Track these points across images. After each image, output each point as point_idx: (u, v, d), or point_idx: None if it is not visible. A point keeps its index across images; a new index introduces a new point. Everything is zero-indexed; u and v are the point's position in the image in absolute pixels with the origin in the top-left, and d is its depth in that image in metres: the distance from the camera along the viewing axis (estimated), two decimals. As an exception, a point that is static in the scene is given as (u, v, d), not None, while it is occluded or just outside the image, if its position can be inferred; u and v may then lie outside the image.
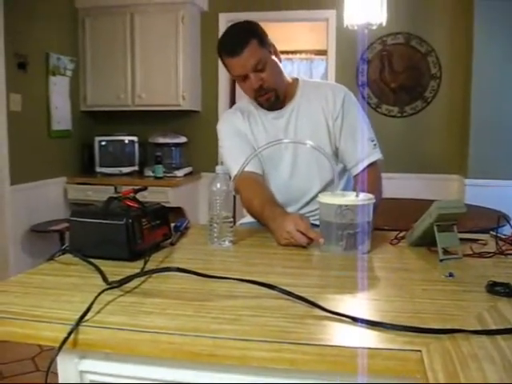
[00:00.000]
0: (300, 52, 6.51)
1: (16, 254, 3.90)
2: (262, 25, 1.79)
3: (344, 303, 1.03)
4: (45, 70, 4.28)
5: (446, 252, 1.37)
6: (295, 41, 6.29)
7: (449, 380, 0.71)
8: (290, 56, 6.51)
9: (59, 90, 4.45)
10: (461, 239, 1.49)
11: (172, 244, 1.52)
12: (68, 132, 4.61)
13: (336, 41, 4.49)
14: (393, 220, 2.50)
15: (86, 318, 0.95)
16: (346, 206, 1.40)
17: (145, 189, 1.54)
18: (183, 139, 4.74)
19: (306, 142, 1.61)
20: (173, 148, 4.72)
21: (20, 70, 3.98)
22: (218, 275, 1.13)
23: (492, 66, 3.93)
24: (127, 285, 1.12)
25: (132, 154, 4.76)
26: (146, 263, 1.25)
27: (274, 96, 1.79)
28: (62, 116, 4.50)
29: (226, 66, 1.77)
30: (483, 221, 3.05)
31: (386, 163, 4.32)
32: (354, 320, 0.91)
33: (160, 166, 4.48)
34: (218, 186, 1.49)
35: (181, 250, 1.49)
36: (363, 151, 1.81)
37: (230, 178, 1.68)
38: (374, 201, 1.45)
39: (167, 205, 4.29)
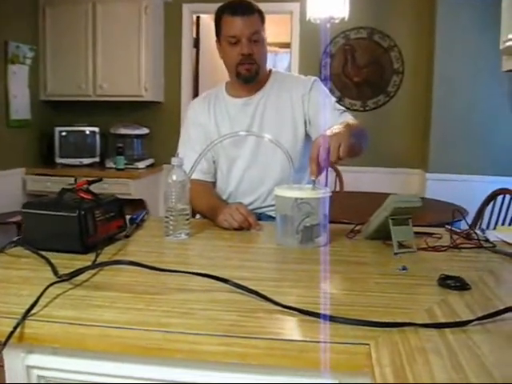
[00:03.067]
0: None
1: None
2: None
3: (297, 297, 1.03)
4: (3, 59, 4.15)
5: (401, 246, 1.38)
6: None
7: (395, 373, 0.71)
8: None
9: (18, 79, 4.34)
10: (416, 233, 1.51)
11: (127, 236, 1.50)
12: (27, 121, 4.49)
13: (300, 34, 4.49)
14: (352, 213, 2.52)
15: (34, 311, 0.93)
16: (302, 198, 1.40)
17: (99, 180, 1.51)
18: (145, 130, 4.68)
19: (263, 135, 1.62)
20: (134, 139, 4.65)
21: (-23, 58, 3.86)
22: (171, 268, 1.11)
23: (454, 62, 3.98)
24: (78, 278, 1.10)
25: (93, 145, 4.68)
26: (97, 256, 1.23)
27: (255, 69, 1.81)
28: (20, 105, 4.38)
29: (220, 25, 1.81)
30: (442, 215, 3.10)
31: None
32: (305, 314, 0.91)
33: (121, 157, 4.42)
34: (174, 178, 1.47)
35: (135, 243, 1.47)
36: (331, 119, 1.77)
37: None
38: (329, 194, 1.45)
39: (128, 197, 4.26)
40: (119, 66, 4.47)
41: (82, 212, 1.31)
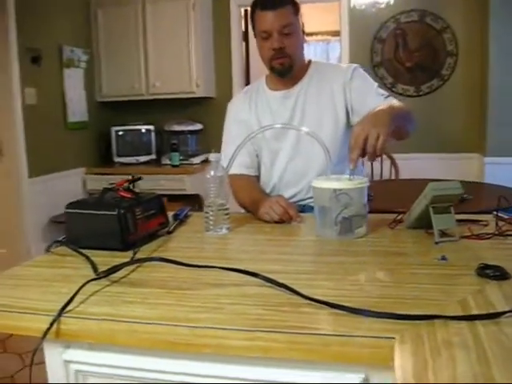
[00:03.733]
0: (316, 34, 6.42)
1: (37, 245, 3.95)
2: None
3: (328, 290, 1.01)
4: (59, 63, 4.32)
5: (443, 234, 1.34)
6: (311, 22, 6.19)
7: (415, 368, 0.69)
8: (307, 38, 6.42)
9: (74, 82, 4.49)
10: (461, 220, 1.46)
11: (169, 232, 1.52)
12: (84, 123, 4.65)
13: (349, 21, 4.41)
14: (409, 203, 2.45)
15: (69, 308, 0.97)
16: (340, 189, 1.38)
17: (139, 179, 1.55)
18: (198, 126, 4.74)
19: (299, 127, 1.61)
20: (188, 135, 4.72)
21: (34, 65, 4.02)
22: (201, 264, 1.13)
23: (510, 40, 3.81)
24: (116, 275, 1.13)
25: (149, 143, 4.78)
26: (135, 253, 1.25)
27: (288, 62, 1.79)
28: (77, 108, 4.54)
29: (254, 21, 1.80)
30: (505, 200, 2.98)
31: (404, 144, 4.27)
32: (331, 306, 0.90)
33: (176, 153, 4.49)
34: (212, 173, 1.49)
35: (177, 239, 1.49)
36: (375, 105, 1.71)
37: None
38: (368, 184, 1.42)
39: (184, 192, 4.34)
40: (170, 64, 4.54)
41: (122, 210, 1.35)
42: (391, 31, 4.34)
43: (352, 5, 3.38)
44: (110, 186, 1.47)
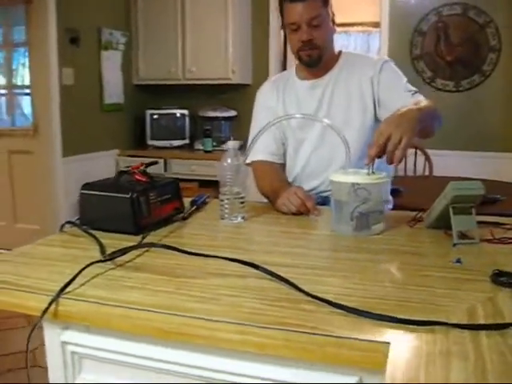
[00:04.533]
0: (357, 24, 6.31)
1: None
2: None
3: (332, 287, 0.98)
4: (97, 45, 4.35)
5: (463, 236, 1.29)
6: (353, 13, 6.08)
7: (406, 376, 0.66)
8: (348, 29, 6.32)
9: (111, 65, 4.52)
10: (484, 222, 1.41)
11: (184, 218, 1.51)
12: (120, 105, 4.68)
13: (389, 12, 4.30)
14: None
15: (69, 290, 0.97)
16: (359, 184, 1.34)
17: (155, 163, 1.54)
18: (233, 113, 4.71)
19: (321, 119, 1.58)
20: (222, 122, 4.71)
21: (72, 45, 4.06)
22: (204, 253, 1.11)
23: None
24: (121, 258, 1.13)
25: (182, 128, 4.79)
26: (143, 238, 1.24)
27: (316, 54, 1.77)
28: (114, 90, 4.57)
29: (282, 12, 1.78)
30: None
31: (441, 141, 4.16)
32: (331, 305, 0.87)
33: (209, 139, 4.49)
34: (229, 161, 1.47)
35: (191, 225, 1.48)
36: (403, 101, 1.66)
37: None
38: (388, 179, 1.38)
39: (215, 178, 4.33)
40: (207, 50, 4.53)
41: (135, 194, 1.34)
42: (432, 24, 4.20)
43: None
44: (125, 169, 1.46)
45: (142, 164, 1.47)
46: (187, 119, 4.79)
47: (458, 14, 4.14)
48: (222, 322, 0.84)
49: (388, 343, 0.75)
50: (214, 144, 4.55)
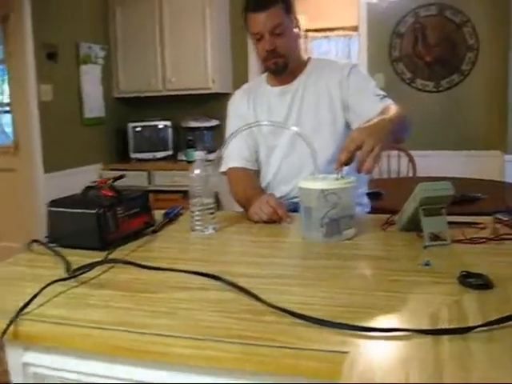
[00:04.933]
0: (338, 29, 6.32)
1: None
2: (296, 2, 1.80)
3: (298, 296, 0.96)
4: (75, 59, 4.33)
5: (435, 238, 1.27)
6: (333, 18, 6.11)
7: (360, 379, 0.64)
8: (328, 34, 6.34)
9: (91, 78, 4.50)
10: (457, 223, 1.39)
11: (155, 231, 1.49)
12: (101, 119, 4.66)
13: (367, 16, 4.32)
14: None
15: (29, 310, 0.94)
16: (327, 190, 1.32)
17: (122, 177, 1.52)
18: (215, 122, 4.69)
19: (289, 127, 1.58)
20: (205, 131, 4.68)
21: (50, 61, 4.04)
22: (164, 267, 1.09)
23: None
24: (85, 275, 1.11)
25: (165, 139, 4.77)
26: (108, 254, 1.22)
27: (282, 62, 1.77)
28: (94, 103, 4.55)
29: (246, 22, 1.77)
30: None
31: (423, 141, 4.16)
32: (293, 315, 0.85)
33: (192, 150, 4.47)
34: (197, 172, 1.45)
35: (161, 238, 1.46)
36: (371, 106, 1.69)
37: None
38: (355, 184, 1.36)
39: (214, 189, 4.31)
40: (186, 60, 4.52)
41: (101, 209, 1.32)
42: (410, 25, 4.22)
43: (364, -1, 3.30)
44: (92, 185, 1.44)
45: (108, 179, 1.45)
46: (170, 130, 4.78)
47: (435, 15, 4.16)
48: (177, 337, 0.81)
49: (346, 353, 0.73)
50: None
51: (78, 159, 4.36)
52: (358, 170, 1.31)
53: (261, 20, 1.69)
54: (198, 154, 1.47)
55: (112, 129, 4.83)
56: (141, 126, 4.77)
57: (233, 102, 2.00)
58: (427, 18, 4.18)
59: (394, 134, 1.44)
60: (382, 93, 1.75)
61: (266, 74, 1.95)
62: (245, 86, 2.03)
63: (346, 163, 1.33)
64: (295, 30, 1.78)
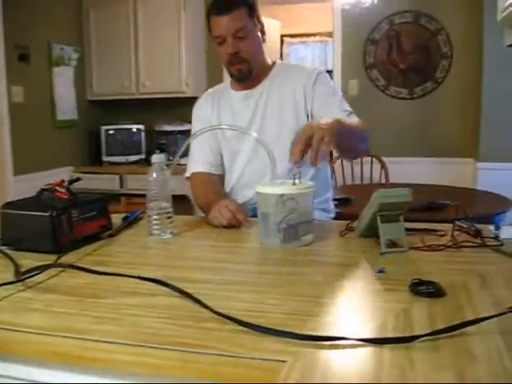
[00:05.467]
0: (314, 35, 6.34)
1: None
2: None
3: (246, 303, 0.94)
4: (47, 61, 4.27)
5: (392, 244, 1.27)
6: (310, 23, 6.12)
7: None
8: (305, 39, 6.35)
9: (64, 81, 4.44)
10: (417, 230, 1.39)
11: (112, 235, 1.46)
12: (74, 121, 4.60)
13: (342, 22, 4.33)
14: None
15: (-32, 315, 0.91)
16: (286, 195, 1.31)
17: (77, 180, 1.49)
18: (188, 126, 4.64)
19: (250, 132, 1.58)
20: (178, 135, 4.64)
21: (22, 62, 3.98)
22: (111, 272, 1.07)
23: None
24: (33, 279, 1.08)
25: (138, 143, 4.73)
26: (59, 258, 1.19)
27: (246, 68, 1.75)
28: (67, 106, 4.49)
29: (209, 25, 1.75)
30: (491, 207, 2.90)
31: (397, 148, 4.18)
32: (236, 322, 0.83)
33: (163, 153, 4.42)
34: (155, 175, 1.43)
35: (117, 242, 1.43)
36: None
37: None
38: (313, 189, 1.35)
39: (172, 193, 4.29)
40: (160, 64, 4.49)
41: (55, 212, 1.29)
42: (384, 32, 4.24)
43: (335, 5, 3.30)
44: (46, 187, 1.41)
45: (63, 181, 1.42)
46: (143, 134, 4.74)
47: (410, 22, 4.19)
48: (117, 344, 0.79)
49: (284, 361, 0.72)
50: (170, 158, 4.49)
51: (48, 162, 4.29)
52: (313, 161, 1.29)
53: (223, 23, 1.67)
54: (156, 158, 1.44)
55: (85, 131, 4.77)
56: (114, 129, 4.72)
57: (197, 107, 1.97)
58: (402, 25, 4.20)
59: (347, 136, 1.45)
60: (349, 108, 1.75)
61: (230, 79, 1.93)
62: (210, 90, 2.00)
63: (301, 157, 1.31)
64: (259, 34, 1.77)
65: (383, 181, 3.92)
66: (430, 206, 2.49)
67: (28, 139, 4.06)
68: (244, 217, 1.53)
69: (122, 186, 4.41)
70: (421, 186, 3.44)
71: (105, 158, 4.70)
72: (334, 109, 1.69)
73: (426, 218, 2.20)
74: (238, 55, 1.71)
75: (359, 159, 4.00)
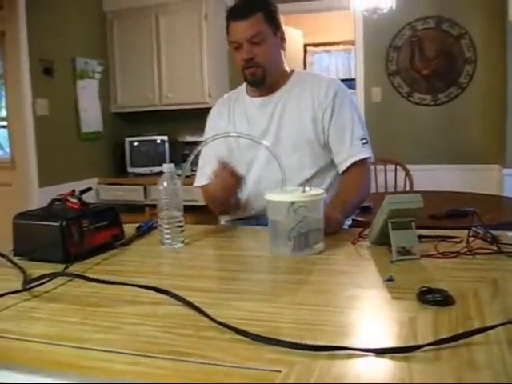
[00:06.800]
0: (338, 43, 6.33)
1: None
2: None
3: (245, 312, 0.93)
4: (72, 74, 4.34)
5: (405, 252, 1.24)
6: (333, 32, 6.10)
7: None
8: (328, 48, 6.34)
9: (88, 93, 4.50)
10: (432, 237, 1.36)
11: (123, 245, 1.46)
12: (99, 134, 4.65)
13: (364, 30, 4.31)
14: (423, 217, 2.35)
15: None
16: (297, 202, 1.29)
17: (88, 190, 1.49)
18: (211, 137, 4.68)
19: (260, 141, 1.57)
20: (201, 146, 4.67)
21: (46, 76, 4.05)
22: (111, 280, 1.07)
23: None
24: (39, 289, 1.09)
25: (162, 154, 4.76)
26: (66, 267, 1.19)
27: (260, 73, 1.74)
28: (92, 118, 4.55)
29: (228, 30, 1.75)
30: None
31: (420, 154, 4.12)
32: (234, 330, 0.81)
33: (183, 163, 4.45)
34: (165, 184, 1.42)
35: (129, 252, 1.43)
36: (351, 149, 1.74)
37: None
38: (324, 196, 1.33)
39: (194, 203, 4.28)
40: (183, 75, 4.52)
41: (65, 222, 1.30)
42: (407, 39, 4.20)
43: (352, 11, 3.28)
44: (57, 197, 1.42)
45: (74, 191, 1.43)
46: (167, 145, 4.77)
47: (432, 28, 4.14)
48: (112, 352, 0.78)
49: (279, 371, 0.70)
50: (194, 169, 4.50)
51: (74, 174, 4.34)
52: None
53: (240, 28, 1.67)
54: (166, 167, 1.44)
55: (109, 143, 4.83)
56: (138, 141, 4.76)
57: (211, 116, 1.97)
58: (424, 30, 4.16)
59: (351, 213, 1.77)
60: (363, 133, 1.76)
61: (245, 84, 1.91)
62: (225, 96, 2.00)
63: None
64: (277, 41, 1.76)
65: (407, 188, 3.87)
66: (450, 213, 2.44)
67: (53, 152, 4.12)
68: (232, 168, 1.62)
69: (146, 197, 4.44)
70: (444, 193, 3.39)
71: (129, 170, 4.74)
72: (349, 136, 1.75)
73: (446, 225, 2.16)
74: (253, 60, 1.70)
75: (383, 167, 3.96)
